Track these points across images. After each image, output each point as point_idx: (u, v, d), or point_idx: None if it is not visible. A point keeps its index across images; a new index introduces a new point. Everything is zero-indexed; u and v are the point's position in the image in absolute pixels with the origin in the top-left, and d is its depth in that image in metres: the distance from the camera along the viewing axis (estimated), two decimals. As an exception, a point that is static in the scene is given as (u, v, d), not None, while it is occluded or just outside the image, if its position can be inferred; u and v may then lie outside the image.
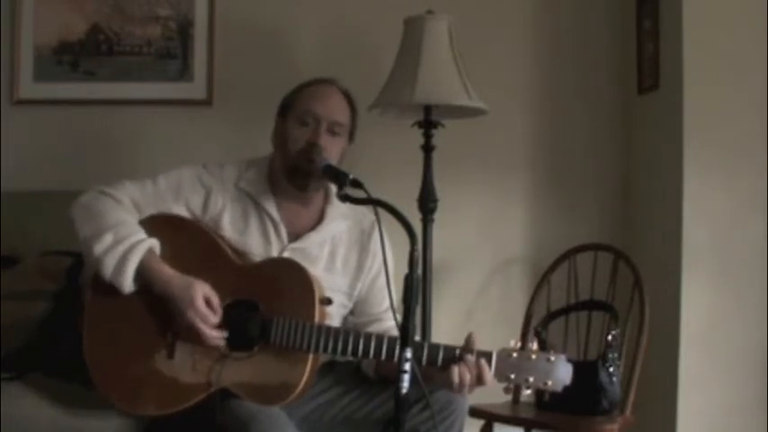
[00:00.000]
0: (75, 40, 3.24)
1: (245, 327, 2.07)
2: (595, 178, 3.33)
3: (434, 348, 1.99)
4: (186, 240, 2.17)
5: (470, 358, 1.95)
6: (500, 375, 1.96)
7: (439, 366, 1.98)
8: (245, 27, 3.27)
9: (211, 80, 3.25)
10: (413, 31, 2.94)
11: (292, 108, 2.24)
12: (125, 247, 2.06)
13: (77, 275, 2.48)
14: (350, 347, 2.03)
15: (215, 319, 2.06)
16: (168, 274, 2.08)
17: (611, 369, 2.63)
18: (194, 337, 2.05)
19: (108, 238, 2.07)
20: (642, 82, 3.19)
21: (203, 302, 2.05)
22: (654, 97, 3.11)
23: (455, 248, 3.25)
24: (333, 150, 2.19)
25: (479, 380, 1.96)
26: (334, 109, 2.22)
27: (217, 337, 2.06)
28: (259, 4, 3.28)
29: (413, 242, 1.76)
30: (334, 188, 2.20)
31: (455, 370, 1.95)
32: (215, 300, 2.07)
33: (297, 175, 2.19)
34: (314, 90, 2.26)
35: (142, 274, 2.08)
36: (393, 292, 1.91)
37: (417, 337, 2.03)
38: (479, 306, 3.27)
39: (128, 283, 2.07)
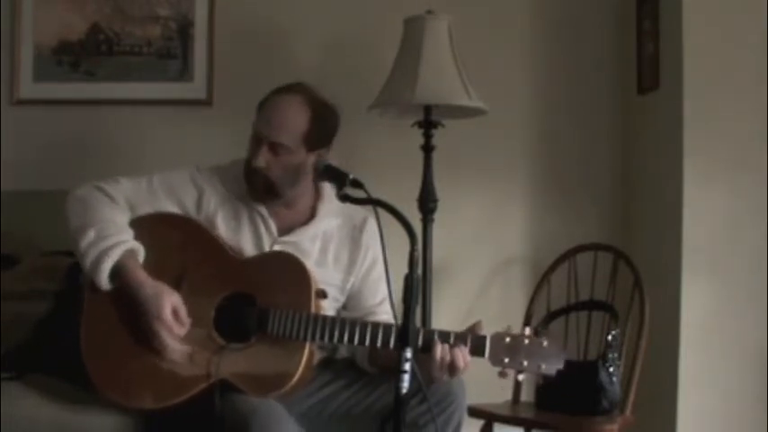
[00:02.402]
0: (75, 40, 3.24)
1: (242, 318, 2.08)
2: (595, 178, 3.33)
3: (429, 334, 2.01)
4: (184, 236, 2.19)
5: (445, 346, 1.97)
6: (494, 359, 1.98)
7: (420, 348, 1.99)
8: (245, 27, 3.27)
9: (211, 80, 3.25)
10: (413, 31, 2.94)
11: (255, 119, 2.25)
12: (105, 245, 2.08)
13: (77, 275, 2.48)
14: (346, 335, 2.05)
15: (181, 331, 2.07)
16: (141, 279, 2.09)
17: (611, 369, 2.64)
18: (158, 345, 2.06)
19: (91, 234, 2.09)
20: (642, 82, 3.19)
21: (170, 313, 2.06)
22: (654, 97, 3.11)
23: (455, 248, 3.25)
24: (275, 169, 2.17)
25: (454, 364, 1.97)
26: (276, 128, 2.18)
27: (178, 351, 2.06)
28: (259, 4, 3.28)
29: (413, 242, 1.76)
30: (326, 186, 2.22)
31: (437, 348, 1.97)
32: (182, 312, 2.08)
33: (250, 187, 2.21)
34: (267, 104, 2.24)
35: (118, 275, 2.09)
36: (392, 291, 1.92)
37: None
38: (479, 306, 3.27)
39: (103, 280, 2.09)
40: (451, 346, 1.98)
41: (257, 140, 2.20)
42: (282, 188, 2.19)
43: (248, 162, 2.20)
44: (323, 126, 2.22)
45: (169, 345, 2.06)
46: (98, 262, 2.08)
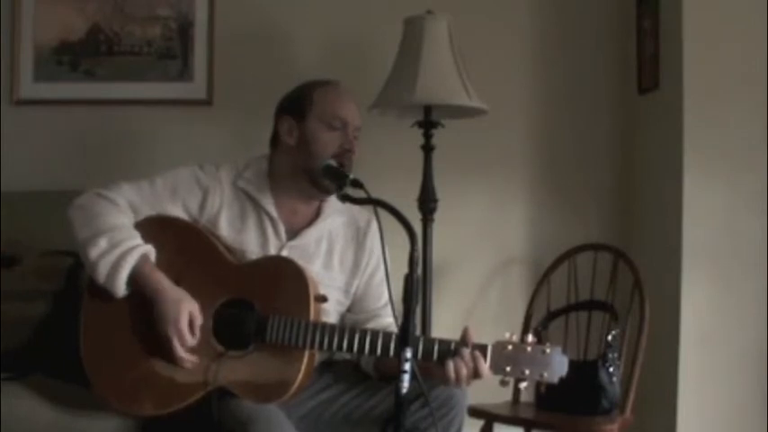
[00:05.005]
0: (75, 40, 3.24)
1: (241, 325, 2.07)
2: (595, 178, 3.33)
3: (429, 342, 2.00)
4: (181, 241, 2.17)
5: (466, 351, 1.96)
6: (496, 368, 1.98)
7: (435, 360, 1.99)
8: (245, 27, 3.26)
9: (211, 80, 3.25)
10: (413, 31, 2.94)
11: (313, 110, 2.23)
12: (119, 252, 2.06)
13: (77, 275, 2.48)
14: (345, 343, 2.03)
15: (192, 341, 2.06)
16: (160, 282, 2.08)
17: (611, 369, 2.64)
18: (168, 350, 2.05)
19: (103, 243, 2.07)
20: (642, 82, 3.19)
21: (186, 322, 2.04)
22: (654, 97, 3.11)
23: (455, 248, 3.25)
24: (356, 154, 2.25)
25: (476, 373, 1.97)
26: (357, 114, 2.27)
27: (187, 360, 2.05)
28: (259, 4, 3.27)
29: (413, 242, 1.76)
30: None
31: (450, 364, 1.96)
32: (198, 322, 2.07)
33: (317, 183, 2.19)
34: (335, 93, 2.26)
35: (135, 280, 2.08)
36: (392, 291, 1.91)
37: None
38: (479, 306, 3.27)
39: (120, 289, 2.08)
40: (470, 359, 1.97)
41: (342, 127, 2.21)
42: None
43: (336, 153, 2.19)
44: None
45: (178, 352, 2.04)
46: (114, 271, 2.06)
